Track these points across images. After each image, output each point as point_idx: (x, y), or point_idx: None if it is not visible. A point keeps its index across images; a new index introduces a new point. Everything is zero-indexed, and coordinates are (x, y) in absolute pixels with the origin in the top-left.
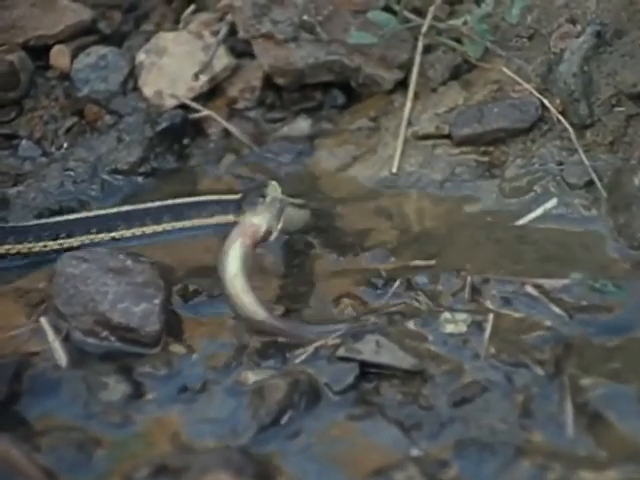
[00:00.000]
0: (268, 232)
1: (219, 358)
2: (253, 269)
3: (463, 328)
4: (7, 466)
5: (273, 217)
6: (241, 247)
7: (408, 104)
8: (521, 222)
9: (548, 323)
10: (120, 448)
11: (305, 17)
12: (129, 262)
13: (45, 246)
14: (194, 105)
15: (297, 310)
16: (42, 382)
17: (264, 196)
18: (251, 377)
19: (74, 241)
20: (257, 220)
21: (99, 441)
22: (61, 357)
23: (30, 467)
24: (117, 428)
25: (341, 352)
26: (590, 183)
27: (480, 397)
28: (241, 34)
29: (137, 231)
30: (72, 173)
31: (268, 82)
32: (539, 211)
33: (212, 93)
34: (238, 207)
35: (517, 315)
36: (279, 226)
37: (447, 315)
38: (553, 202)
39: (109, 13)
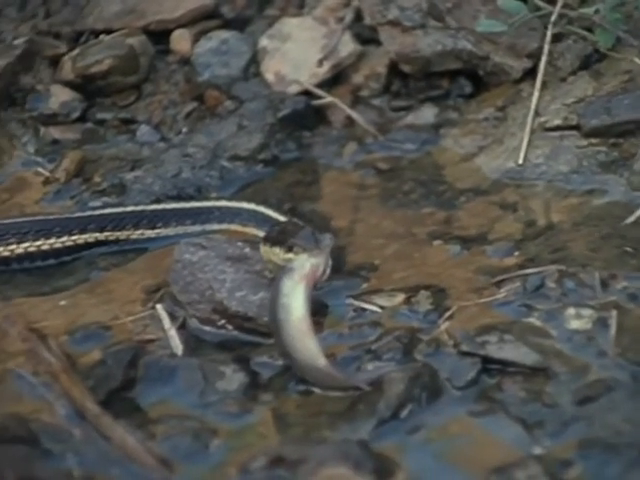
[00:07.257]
0: (324, 273)
1: (338, 350)
2: None
3: (589, 325)
4: (123, 453)
5: (328, 258)
6: (305, 289)
7: (536, 94)
8: (630, 220)
9: None
10: (236, 438)
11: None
12: (247, 250)
13: None
14: (317, 91)
15: (417, 302)
16: (158, 370)
17: (316, 237)
18: (371, 369)
19: None
20: (316, 261)
21: (215, 430)
22: (177, 345)
23: (145, 455)
24: (233, 418)
25: (464, 347)
26: None
27: (605, 396)
28: (367, 20)
29: None
30: (190, 159)
31: (394, 69)
32: None
33: (336, 80)
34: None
35: None
36: (329, 268)
37: (572, 311)
38: None
39: None
